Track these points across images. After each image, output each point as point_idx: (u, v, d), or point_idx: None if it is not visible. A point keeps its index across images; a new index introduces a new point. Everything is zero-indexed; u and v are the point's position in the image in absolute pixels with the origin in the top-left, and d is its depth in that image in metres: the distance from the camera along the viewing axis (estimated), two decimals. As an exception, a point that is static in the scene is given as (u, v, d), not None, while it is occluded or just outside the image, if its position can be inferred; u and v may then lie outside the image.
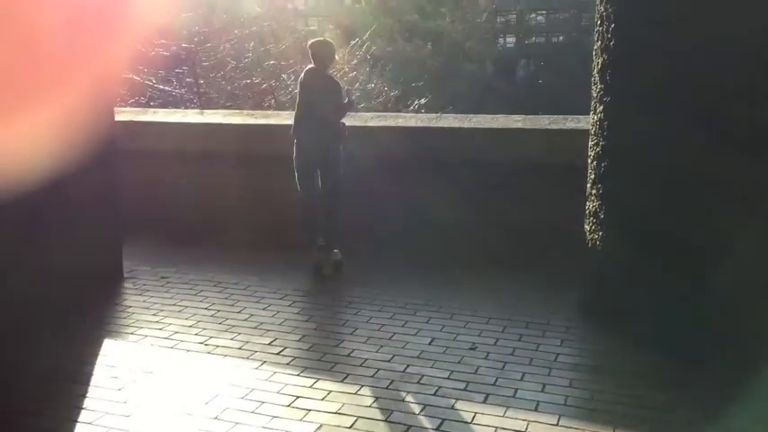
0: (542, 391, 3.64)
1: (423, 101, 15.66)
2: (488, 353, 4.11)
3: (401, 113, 7.87)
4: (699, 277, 3.95)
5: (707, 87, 3.81)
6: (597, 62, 4.43)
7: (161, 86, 13.24)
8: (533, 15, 49.88)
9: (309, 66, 5.64)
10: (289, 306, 4.85)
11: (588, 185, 4.62)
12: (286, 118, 6.98)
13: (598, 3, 4.40)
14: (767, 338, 3.74)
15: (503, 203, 5.91)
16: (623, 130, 4.21)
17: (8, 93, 3.87)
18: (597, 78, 4.42)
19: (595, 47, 4.46)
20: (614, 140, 4.27)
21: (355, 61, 14.86)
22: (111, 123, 5.28)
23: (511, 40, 52.65)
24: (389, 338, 4.32)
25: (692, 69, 3.85)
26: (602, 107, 4.36)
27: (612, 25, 4.21)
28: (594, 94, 4.48)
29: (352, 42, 15.45)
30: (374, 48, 16.66)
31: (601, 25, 4.35)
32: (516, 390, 3.64)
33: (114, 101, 5.30)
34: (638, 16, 4.06)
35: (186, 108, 12.60)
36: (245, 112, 7.78)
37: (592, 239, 4.55)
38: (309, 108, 5.51)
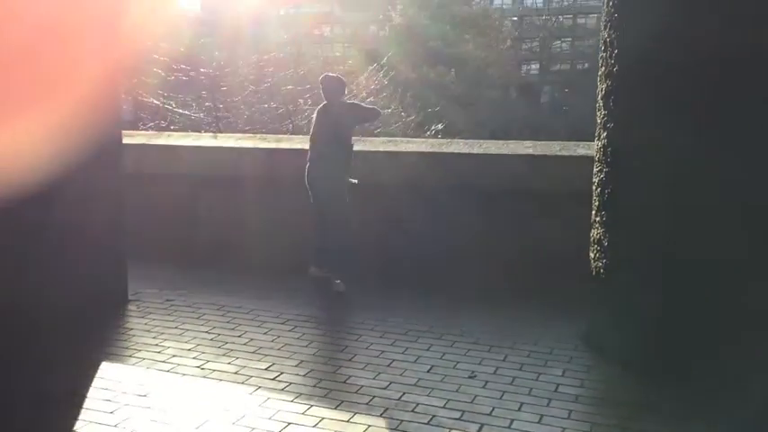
0: (539, 422, 3.55)
1: (440, 126, 15.67)
2: (487, 381, 4.04)
3: (412, 138, 7.85)
4: (705, 307, 3.86)
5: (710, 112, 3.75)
6: (601, 88, 4.39)
7: (180, 110, 13.42)
8: (558, 43, 49.97)
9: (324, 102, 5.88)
10: (290, 331, 4.82)
11: (593, 212, 4.55)
12: (298, 142, 7.01)
13: (602, 29, 4.37)
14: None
15: (510, 231, 5.84)
16: (626, 157, 4.15)
17: (8, 116, 3.93)
18: (601, 104, 4.38)
19: (599, 73, 4.42)
20: (617, 167, 4.20)
21: (373, 87, 14.95)
22: (117, 147, 5.33)
23: (535, 66, 52.78)
24: (388, 365, 4.27)
25: (695, 94, 3.79)
26: (605, 133, 4.31)
27: (615, 51, 4.18)
28: (599, 121, 4.43)
29: (370, 68, 15.56)
30: (392, 73, 16.72)
31: (604, 51, 4.32)
32: (512, 420, 3.56)
33: (120, 124, 5.33)
34: (639, 42, 4.01)
35: (206, 132, 12.75)
36: (258, 136, 7.82)
37: (596, 267, 4.48)
38: (312, 142, 5.82)
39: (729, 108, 3.73)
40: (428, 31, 44.80)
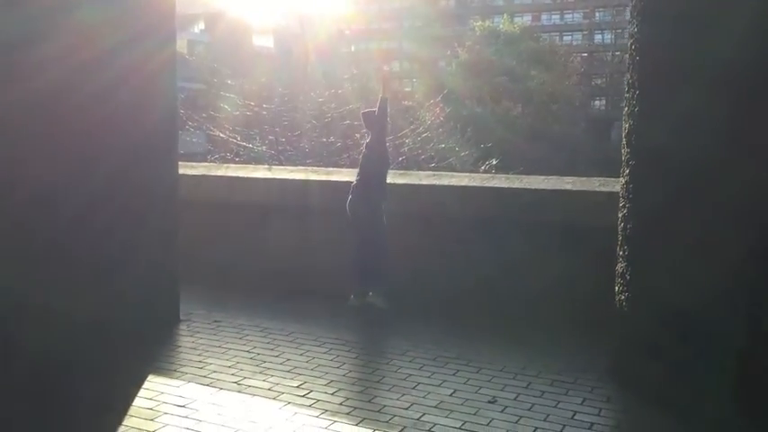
0: (550, 446, 3.69)
1: (494, 161, 15.90)
2: (506, 407, 4.19)
3: (455, 173, 8.09)
4: (726, 341, 3.94)
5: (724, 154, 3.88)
6: (625, 127, 4.55)
7: (244, 143, 14.09)
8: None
9: None
10: (324, 353, 5.08)
11: (618, 247, 4.68)
12: (346, 175, 7.36)
13: (627, 71, 4.55)
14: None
15: (546, 261, 5.97)
16: (645, 193, 4.29)
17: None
18: (625, 142, 4.54)
19: (624, 112, 4.59)
20: (637, 203, 4.35)
21: (428, 122, 15.30)
22: (173, 176, 5.75)
23: (604, 102, 52.37)
24: (413, 388, 4.47)
25: (709, 136, 3.93)
26: (628, 170, 4.47)
27: (637, 92, 4.35)
28: (623, 158, 4.59)
29: (428, 103, 15.95)
30: (449, 109, 17.05)
31: (628, 92, 4.49)
32: (523, 443, 3.71)
33: (175, 156, 5.78)
34: (658, 83, 4.18)
35: (268, 164, 13.29)
36: (310, 168, 8.21)
37: (619, 300, 4.59)
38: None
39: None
40: (494, 67, 45.26)
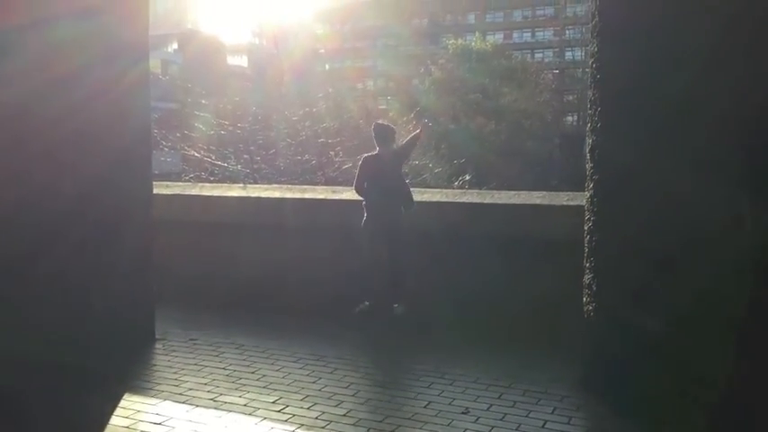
0: (521, 454, 3.78)
1: (467, 177, 16.12)
2: (479, 417, 4.28)
3: (428, 189, 8.22)
4: (690, 354, 4.06)
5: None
6: (589, 142, 4.70)
7: (219, 162, 14.15)
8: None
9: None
10: (300, 368, 5.14)
11: (584, 259, 4.82)
12: (320, 192, 7.45)
13: (588, 88, 4.71)
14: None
15: (518, 274, 6.09)
16: (607, 206, 4.43)
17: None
18: (588, 157, 4.69)
19: (588, 128, 4.74)
20: (600, 216, 4.49)
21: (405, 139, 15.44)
22: (148, 194, 5.79)
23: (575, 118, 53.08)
24: (388, 401, 4.55)
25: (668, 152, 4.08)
26: (591, 184, 4.61)
27: (599, 109, 4.50)
28: (587, 172, 4.73)
29: (403, 119, 16.14)
30: (427, 122, 17.24)
31: (590, 108, 4.65)
32: (495, 452, 3.80)
33: (150, 175, 5.83)
34: (617, 100, 4.34)
35: (244, 183, 13.33)
36: (285, 186, 8.29)
37: (587, 311, 4.72)
38: (366, 187, 6.51)
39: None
40: (467, 84, 45.77)
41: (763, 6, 3.84)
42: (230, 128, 13.75)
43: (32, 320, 4.79)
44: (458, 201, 6.84)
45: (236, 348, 5.60)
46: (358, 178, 6.57)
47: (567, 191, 7.30)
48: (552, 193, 6.99)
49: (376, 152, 6.63)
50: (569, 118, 55.81)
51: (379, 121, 7.02)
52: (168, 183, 8.78)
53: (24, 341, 4.68)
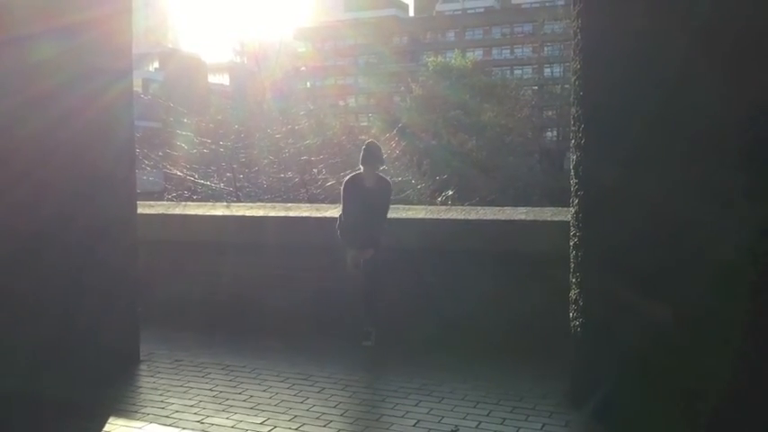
0: (511, 471, 3.77)
1: (450, 192, 16.22)
2: (468, 435, 4.28)
3: (412, 206, 8.23)
4: (676, 368, 4.09)
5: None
6: (573, 158, 4.74)
7: (202, 181, 14.11)
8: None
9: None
10: (287, 388, 5.10)
11: (570, 274, 4.84)
12: (304, 210, 7.44)
13: (572, 105, 4.76)
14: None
15: (505, 291, 6.11)
16: (592, 222, 4.47)
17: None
18: (573, 174, 4.73)
19: (572, 144, 4.78)
20: (586, 231, 4.52)
21: (386, 155, 15.52)
22: (131, 215, 5.75)
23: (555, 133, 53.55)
24: (377, 420, 4.53)
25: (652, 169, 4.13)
26: (576, 200, 4.65)
27: (582, 125, 4.55)
28: (572, 188, 4.77)
29: (386, 136, 16.23)
30: (405, 142, 17.35)
31: (574, 125, 4.69)
32: (485, 470, 3.79)
33: (133, 195, 5.80)
34: (600, 117, 4.39)
35: (227, 201, 13.30)
36: (269, 205, 8.26)
37: (573, 326, 4.74)
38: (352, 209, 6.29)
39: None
40: (448, 101, 46.11)
41: (740, 21, 3.91)
42: (213, 146, 13.74)
43: (8, 343, 4.72)
44: (442, 217, 6.85)
45: (223, 369, 5.55)
46: (345, 207, 6.34)
47: (549, 205, 7.36)
48: (536, 208, 7.02)
49: (357, 171, 6.50)
50: (549, 133, 56.33)
51: (372, 140, 6.98)
52: (152, 202, 8.72)
53: (2, 365, 4.61)
